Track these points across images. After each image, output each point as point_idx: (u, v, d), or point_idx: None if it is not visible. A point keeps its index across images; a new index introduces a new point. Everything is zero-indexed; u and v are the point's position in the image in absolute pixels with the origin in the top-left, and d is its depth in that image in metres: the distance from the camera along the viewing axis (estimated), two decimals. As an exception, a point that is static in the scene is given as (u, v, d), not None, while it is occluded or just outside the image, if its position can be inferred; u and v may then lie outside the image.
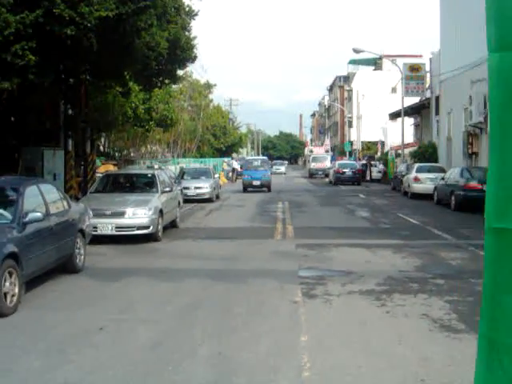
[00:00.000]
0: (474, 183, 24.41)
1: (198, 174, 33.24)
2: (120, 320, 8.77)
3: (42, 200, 11.12)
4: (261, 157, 58.06)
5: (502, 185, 2.77)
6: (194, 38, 24.21)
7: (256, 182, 38.24)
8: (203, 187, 31.08)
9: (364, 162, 56.98)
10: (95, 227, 15.04)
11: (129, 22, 17.18)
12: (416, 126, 51.77)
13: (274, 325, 8.42)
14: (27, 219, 10.03)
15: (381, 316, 8.87)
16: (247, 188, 38.60)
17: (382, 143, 65.68)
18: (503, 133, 2.76)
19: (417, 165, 34.87)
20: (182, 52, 22.79)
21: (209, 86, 72.23)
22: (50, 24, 15.62)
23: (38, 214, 10.32)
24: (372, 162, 56.35)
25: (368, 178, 53.30)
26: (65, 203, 12.26)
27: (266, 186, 38.55)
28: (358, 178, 48.03)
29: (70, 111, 25.89)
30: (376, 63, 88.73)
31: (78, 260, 12.18)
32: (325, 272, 12.17)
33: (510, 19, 2.66)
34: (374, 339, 7.71)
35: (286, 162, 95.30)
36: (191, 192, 30.33)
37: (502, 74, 2.71)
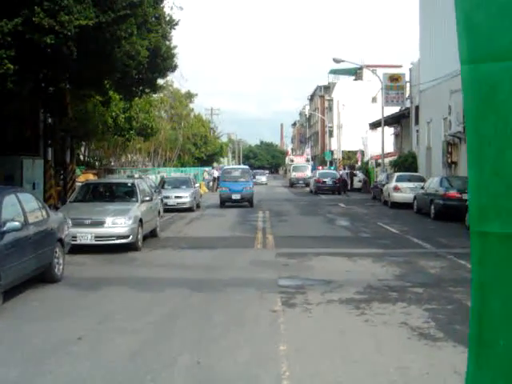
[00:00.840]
0: (453, 192, 24.62)
1: (178, 184, 33.21)
2: (99, 330, 8.72)
3: (20, 209, 11.04)
4: (241, 166, 52.95)
5: (482, 192, 2.87)
6: (175, 47, 24.17)
7: (235, 196, 32.85)
8: (184, 196, 31.04)
9: (346, 171, 57.10)
10: (74, 236, 14.96)
11: (109, 30, 17.11)
12: (396, 135, 52.08)
13: (253, 334, 8.41)
14: (5, 228, 9.95)
15: (360, 324, 8.89)
16: (225, 202, 33.47)
17: (362, 152, 65.95)
18: (479, 142, 2.82)
19: (397, 174, 35.09)
20: (162, 61, 22.73)
21: (190, 96, 72.19)
22: (30, 32, 15.53)
23: (17, 224, 10.24)
24: (354, 172, 56.56)
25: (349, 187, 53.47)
26: (44, 212, 12.18)
27: (247, 201, 33.40)
28: (339, 187, 48.16)
29: (49, 120, 25.74)
30: (356, 73, 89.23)
31: (56, 269, 12.09)
32: (305, 281, 12.18)
33: (479, 32, 2.69)
34: (353, 347, 7.72)
35: (267, 172, 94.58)
36: (172, 201, 30.28)
37: (474, 85, 2.74)
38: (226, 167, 43.37)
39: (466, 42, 2.76)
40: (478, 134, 2.84)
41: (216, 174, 58.63)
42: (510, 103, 2.65)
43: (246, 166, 40.96)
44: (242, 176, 34.15)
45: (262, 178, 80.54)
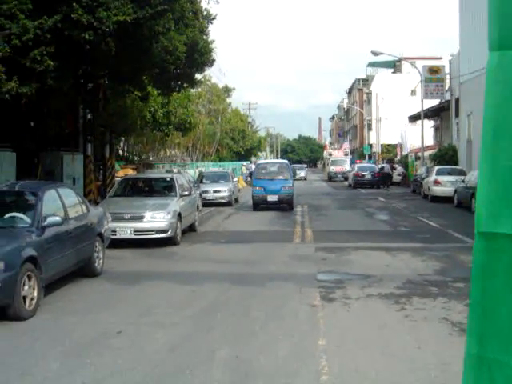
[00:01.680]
0: (494, 186, 24.20)
1: (216, 178, 33.27)
2: (138, 323, 8.77)
3: (60, 204, 11.17)
4: (279, 160, 49.01)
5: (493, 187, 2.63)
6: (212, 41, 24.23)
7: (272, 197, 27.10)
8: (222, 191, 31.11)
9: (387, 164, 56.55)
10: (114, 231, 15.09)
11: (146, 26, 17.22)
12: (436, 128, 51.46)
13: (292, 328, 8.37)
14: (46, 223, 10.08)
15: (400, 320, 8.80)
16: (258, 205, 27.74)
17: (401, 146, 65.32)
18: (496, 132, 2.70)
19: (437, 167, 34.65)
20: (199, 56, 22.81)
21: (227, 90, 72.31)
22: (69, 29, 15.70)
23: (57, 218, 10.36)
24: (393, 165, 56.06)
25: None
26: (83, 207, 12.31)
27: (286, 202, 27.67)
28: (378, 181, 47.77)
29: (88, 116, 26.01)
30: (395, 66, 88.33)
31: (96, 264, 12.21)
32: (343, 275, 12.11)
33: (510, 18, 2.63)
34: (393, 343, 7.64)
35: (306, 166, 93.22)
36: (210, 196, 30.36)
37: (499, 72, 2.70)
38: (260, 162, 35.71)
39: (496, 28, 2.71)
40: (494, 124, 2.72)
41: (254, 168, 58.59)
42: None
43: (285, 161, 33.43)
44: (280, 172, 28.53)
45: (301, 172, 72.48)
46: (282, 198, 27.25)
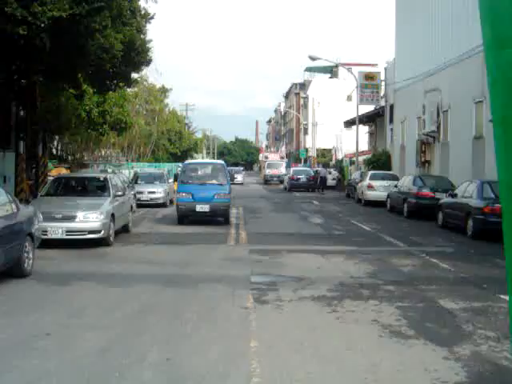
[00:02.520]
0: (426, 191, 24.79)
1: (152, 179, 32.97)
2: (68, 325, 8.60)
3: (-11, 202, 10.86)
4: (213, 160, 41.52)
5: (510, 174, 2.87)
6: (150, 41, 24.01)
7: (202, 207, 21.66)
8: (157, 192, 30.87)
9: (323, 168, 57.04)
10: (45, 231, 14.77)
11: (83, 22, 16.96)
12: (370, 133, 52.30)
13: (224, 331, 8.35)
14: (-27, 222, 9.79)
15: (331, 322, 8.88)
16: (186, 216, 22.31)
17: (336, 151, 66.15)
18: (505, 127, 2.83)
19: (370, 172, 35.24)
20: (136, 55, 22.58)
21: (164, 91, 71.86)
22: (2, 23, 15.33)
23: (-15, 217, 10.07)
24: (329, 170, 56.66)
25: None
26: (13, 206, 12.00)
27: (220, 215, 22.40)
28: (313, 184, 48.24)
29: (21, 112, 25.44)
30: (332, 71, 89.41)
31: (26, 264, 11.92)
32: (277, 278, 12.16)
33: (504, 19, 2.72)
34: (324, 345, 7.70)
35: (243, 169, 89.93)
36: (145, 196, 30.09)
37: (499, 71, 2.78)
38: (189, 162, 28.33)
39: (490, 28, 2.80)
40: (504, 121, 2.83)
41: None
42: None
43: (221, 161, 26.56)
44: (214, 176, 23.25)
45: (238, 176, 66.97)
46: (216, 208, 21.77)
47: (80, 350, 7.42)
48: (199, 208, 21.60)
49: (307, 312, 9.47)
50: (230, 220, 23.19)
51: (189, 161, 32.77)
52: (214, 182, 22.78)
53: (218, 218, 22.50)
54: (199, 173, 23.79)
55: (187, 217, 22.18)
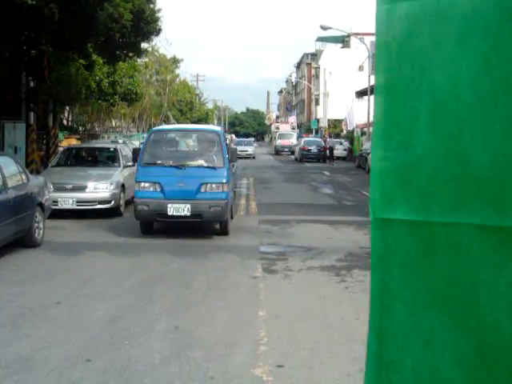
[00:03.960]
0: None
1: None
2: (78, 294, 8.67)
3: (-1, 173, 10.91)
4: (201, 126, 25.17)
5: (386, 165, 2.29)
6: (159, 10, 23.84)
7: (178, 208, 13.01)
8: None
9: (330, 139, 56.84)
10: (55, 201, 14.84)
11: (91, -8, 16.88)
12: (382, 104, 51.84)
13: (232, 300, 8.40)
14: (-17, 192, 9.84)
15: (340, 291, 8.91)
16: (149, 222, 13.94)
17: (348, 121, 65.84)
18: (389, 101, 2.31)
19: (381, 142, 35.04)
20: (146, 24, 22.45)
21: (175, 61, 71.57)
22: (10, -7, 15.27)
23: (-5, 187, 10.13)
24: (338, 140, 56.42)
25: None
26: (24, 176, 12.05)
27: (212, 220, 13.59)
28: (324, 155, 48.12)
29: (31, 84, 25.41)
30: (344, 41, 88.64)
31: (36, 234, 11.99)
32: (286, 248, 12.19)
33: None
34: (332, 314, 7.74)
35: (253, 140, 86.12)
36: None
37: (389, 31, 2.29)
38: (158, 129, 17.24)
39: None
40: (387, 93, 2.31)
41: None
42: (427, 52, 2.14)
43: (216, 128, 16.46)
44: (202, 153, 14.21)
45: (248, 148, 58.18)
46: (202, 210, 13.01)
47: (89, 319, 7.50)
48: (173, 209, 12.95)
49: (316, 282, 9.51)
50: (240, 190, 22.86)
51: (160, 127, 21.52)
52: (201, 163, 13.61)
53: (207, 224, 13.95)
54: (176, 147, 14.83)
55: (151, 222, 13.90)
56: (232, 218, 14.71)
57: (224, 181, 13.20)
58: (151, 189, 13.20)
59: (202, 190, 13.10)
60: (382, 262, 2.27)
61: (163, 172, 13.30)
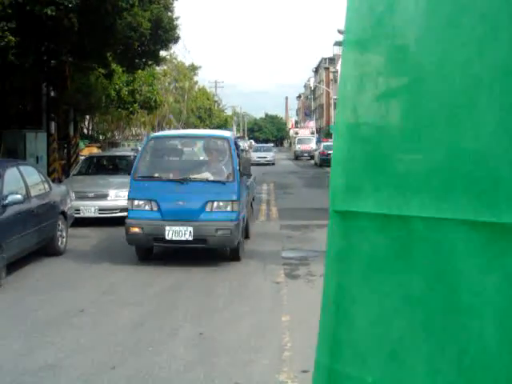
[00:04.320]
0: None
1: None
2: (101, 302, 8.73)
3: (22, 182, 11.01)
4: (208, 131, 17.54)
5: (352, 153, 2.08)
6: (177, 18, 23.93)
7: (179, 231, 10.75)
8: None
9: None
10: (78, 209, 14.93)
11: (110, 1, 16.97)
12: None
13: (255, 305, 8.40)
14: (7, 201, 9.93)
15: (363, 296, 8.86)
16: (144, 248, 11.62)
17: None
18: (361, 77, 2.06)
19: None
20: (164, 32, 22.54)
21: (194, 68, 71.84)
22: (30, 4, 15.39)
23: (19, 197, 10.22)
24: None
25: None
26: (46, 185, 12.14)
27: (218, 244, 11.11)
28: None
29: (52, 93, 25.61)
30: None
31: (59, 242, 12.08)
32: (308, 253, 12.16)
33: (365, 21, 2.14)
34: (356, 319, 7.70)
35: (272, 145, 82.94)
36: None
37: (367, 6, 2.12)
38: (157, 135, 14.16)
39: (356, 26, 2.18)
40: (361, 70, 2.05)
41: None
42: (406, 28, 1.97)
43: (225, 134, 13.08)
44: (208, 163, 12.04)
45: (268, 155, 54.95)
46: (207, 233, 10.84)
47: (113, 326, 7.53)
48: (172, 233, 10.82)
49: (338, 286, 9.46)
50: (261, 196, 22.98)
51: (160, 132, 17.99)
52: (207, 176, 11.40)
53: (213, 248, 11.44)
54: (177, 157, 12.79)
55: (145, 248, 11.69)
56: (248, 237, 13.20)
57: (234, 198, 10.93)
58: (146, 207, 11.05)
59: (208, 209, 10.89)
60: (340, 262, 2.06)
61: (161, 187, 11.16)
